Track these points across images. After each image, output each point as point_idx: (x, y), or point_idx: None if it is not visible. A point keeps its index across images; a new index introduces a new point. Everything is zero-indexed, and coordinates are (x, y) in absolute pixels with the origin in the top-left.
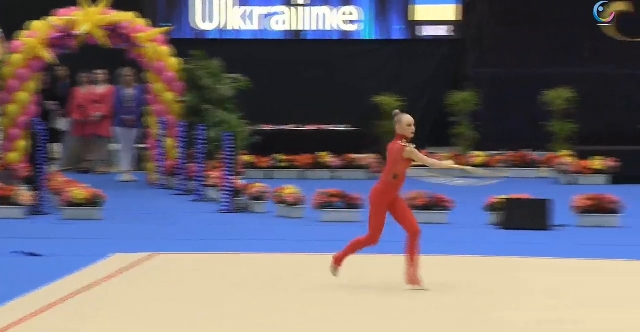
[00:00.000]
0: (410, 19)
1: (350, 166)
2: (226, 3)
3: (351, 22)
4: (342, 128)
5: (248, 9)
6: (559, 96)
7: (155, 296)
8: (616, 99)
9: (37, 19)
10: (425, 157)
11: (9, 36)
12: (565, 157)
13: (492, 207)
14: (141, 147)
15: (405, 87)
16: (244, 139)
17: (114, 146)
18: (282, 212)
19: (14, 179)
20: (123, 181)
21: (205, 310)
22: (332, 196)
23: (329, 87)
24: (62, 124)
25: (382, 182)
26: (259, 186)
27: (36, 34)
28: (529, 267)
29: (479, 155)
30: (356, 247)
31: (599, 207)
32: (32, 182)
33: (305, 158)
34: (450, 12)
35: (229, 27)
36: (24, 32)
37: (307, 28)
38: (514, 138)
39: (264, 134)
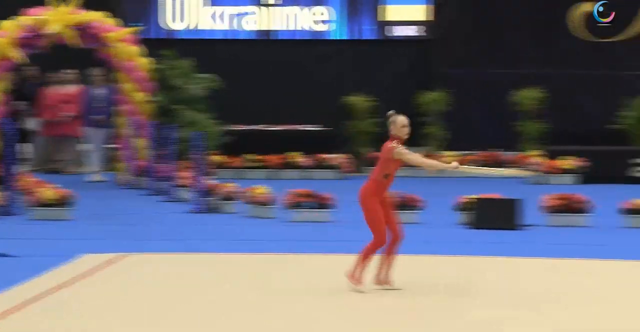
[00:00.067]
0: (380, 19)
1: (321, 165)
2: (197, 3)
3: (322, 22)
4: (313, 128)
5: (218, 8)
6: (528, 96)
7: (126, 296)
8: (586, 99)
9: (7, 18)
10: (415, 157)
11: None
12: (535, 157)
13: (463, 207)
14: (111, 147)
15: (375, 88)
16: (214, 139)
17: (83, 146)
18: (253, 213)
19: None
20: (93, 181)
21: (176, 310)
22: (303, 195)
23: (300, 87)
24: (32, 124)
25: (373, 180)
26: (229, 186)
27: (6, 33)
28: (499, 266)
29: (449, 156)
30: (368, 256)
31: (569, 207)
32: (2, 182)
33: (276, 158)
34: (420, 12)
35: (200, 27)
36: None
37: (277, 28)
38: (485, 138)
39: (235, 134)
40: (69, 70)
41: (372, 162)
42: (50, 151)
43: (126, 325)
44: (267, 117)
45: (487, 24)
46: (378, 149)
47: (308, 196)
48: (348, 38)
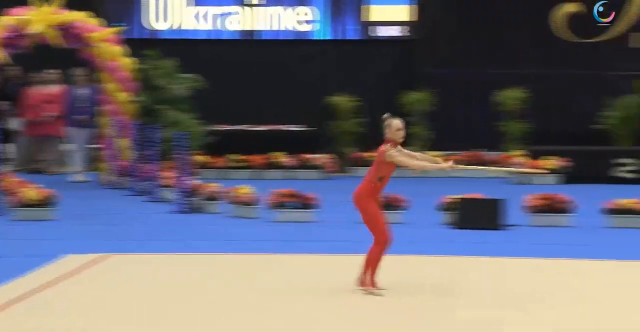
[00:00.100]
0: (364, 19)
1: (305, 166)
2: (180, 3)
3: (306, 22)
4: (297, 128)
5: (202, 8)
6: (512, 96)
7: (110, 296)
8: (569, 100)
9: None
10: (406, 160)
11: None
12: (518, 157)
13: (446, 207)
14: (94, 148)
15: (359, 88)
16: (198, 139)
17: (66, 146)
18: (237, 213)
19: None
20: (76, 181)
21: (160, 310)
22: (287, 195)
23: (284, 87)
24: (14, 124)
25: (367, 183)
26: (213, 186)
27: None
28: (482, 266)
29: (435, 156)
30: (375, 259)
31: (551, 207)
32: None
33: (259, 158)
34: (404, 12)
35: (183, 27)
36: None
37: (261, 28)
38: (468, 138)
39: (219, 134)
40: (51, 70)
41: (356, 162)
42: (33, 151)
43: (111, 324)
44: (251, 117)
45: (471, 24)
46: (362, 149)
47: (292, 196)
48: (332, 38)
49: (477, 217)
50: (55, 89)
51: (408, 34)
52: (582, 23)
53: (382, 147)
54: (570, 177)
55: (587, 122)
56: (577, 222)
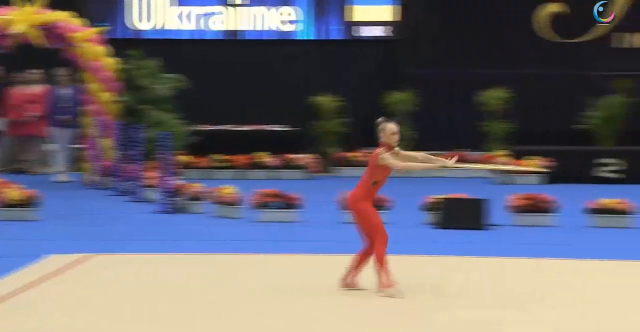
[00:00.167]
0: (347, 19)
1: (289, 166)
2: (163, 3)
3: (289, 22)
4: (280, 128)
5: (185, 8)
6: (495, 96)
7: (93, 296)
8: (552, 99)
9: None
10: (397, 163)
11: None
12: (502, 157)
13: (430, 207)
14: (77, 148)
15: (343, 88)
16: (181, 139)
17: (49, 146)
18: (220, 213)
19: None
20: (59, 182)
21: (143, 310)
22: (270, 195)
23: (267, 87)
24: None
25: (361, 187)
26: (196, 186)
27: None
28: (466, 266)
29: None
30: (383, 259)
31: (534, 207)
32: None
33: (243, 158)
34: (387, 12)
35: (166, 27)
36: None
37: (245, 28)
38: (451, 138)
39: (202, 134)
40: (34, 70)
41: (339, 162)
42: (15, 151)
43: (94, 324)
44: (234, 117)
45: (454, 24)
46: (345, 149)
47: (275, 196)
48: (315, 38)
49: (461, 217)
50: (38, 89)
51: (391, 34)
52: (565, 23)
53: (376, 151)
54: (553, 177)
55: (569, 123)
56: (560, 221)
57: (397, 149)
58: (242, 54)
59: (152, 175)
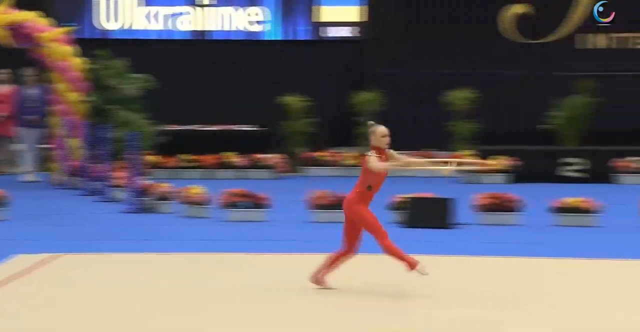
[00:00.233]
0: (315, 20)
1: (256, 165)
2: (131, 3)
3: (257, 22)
4: (248, 128)
5: (153, 8)
6: (460, 97)
7: (61, 296)
8: (517, 100)
9: None
10: (379, 165)
11: None
12: (468, 157)
13: (396, 206)
14: (45, 148)
15: (310, 88)
16: (149, 139)
17: (17, 146)
18: (189, 212)
19: None
20: (27, 181)
21: (111, 310)
22: (238, 195)
23: (235, 87)
24: None
25: (356, 192)
26: (164, 186)
27: None
28: (432, 265)
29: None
30: (394, 249)
31: (500, 206)
32: None
33: (211, 158)
34: (354, 13)
35: (134, 27)
36: None
37: (212, 28)
38: (418, 138)
39: (170, 134)
40: (1, 70)
41: (307, 162)
42: None
43: (61, 324)
44: (202, 117)
45: (420, 24)
46: (313, 149)
47: (243, 195)
48: (283, 38)
49: (428, 216)
50: (5, 89)
51: (358, 35)
52: (530, 24)
53: (367, 154)
54: (519, 176)
55: (534, 122)
56: (525, 220)
57: (391, 151)
58: (210, 54)
59: (120, 175)
